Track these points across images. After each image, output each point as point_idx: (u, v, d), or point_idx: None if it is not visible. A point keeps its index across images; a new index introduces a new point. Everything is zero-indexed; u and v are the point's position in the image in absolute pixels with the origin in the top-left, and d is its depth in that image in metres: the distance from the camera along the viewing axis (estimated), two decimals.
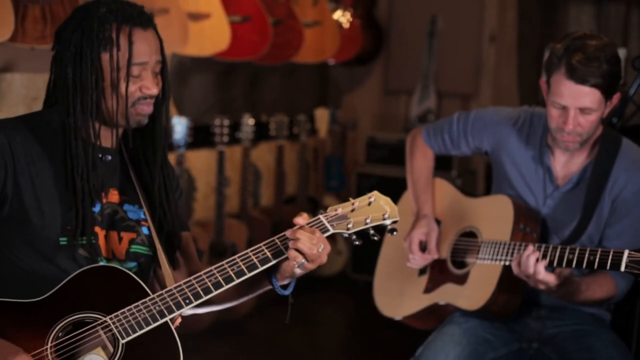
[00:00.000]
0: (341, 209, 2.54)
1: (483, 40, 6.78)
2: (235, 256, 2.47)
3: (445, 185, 3.67)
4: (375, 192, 2.58)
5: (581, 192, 3.31)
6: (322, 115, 6.65)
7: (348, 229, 2.51)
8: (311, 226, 2.50)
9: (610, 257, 2.93)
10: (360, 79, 7.21)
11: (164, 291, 2.43)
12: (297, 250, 2.44)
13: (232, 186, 5.89)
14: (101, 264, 2.49)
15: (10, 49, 4.16)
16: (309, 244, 2.43)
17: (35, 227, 2.44)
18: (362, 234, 2.55)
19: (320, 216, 2.55)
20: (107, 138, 2.58)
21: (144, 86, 2.52)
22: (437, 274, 3.51)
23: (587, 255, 2.99)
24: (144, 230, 2.60)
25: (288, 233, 2.49)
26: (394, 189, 6.32)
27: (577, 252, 3.02)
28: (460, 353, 3.25)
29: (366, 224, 2.53)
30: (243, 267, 2.46)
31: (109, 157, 2.59)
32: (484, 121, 3.50)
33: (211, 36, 4.99)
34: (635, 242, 3.19)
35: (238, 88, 6.24)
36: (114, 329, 2.37)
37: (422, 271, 3.56)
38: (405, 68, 6.96)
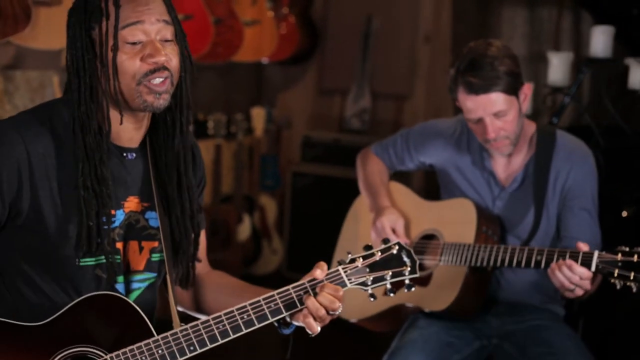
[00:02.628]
0: (362, 260, 2.45)
1: (418, 41, 6.82)
2: (247, 303, 2.36)
3: (402, 189, 3.70)
4: (399, 243, 2.50)
5: (528, 189, 3.40)
6: (258, 114, 6.65)
7: (366, 285, 2.45)
8: (329, 280, 2.41)
9: (580, 258, 3.00)
10: (294, 78, 7.21)
11: (168, 333, 2.32)
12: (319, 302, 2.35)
13: None
14: (107, 292, 2.35)
15: None
16: (331, 297, 2.36)
17: (53, 245, 2.32)
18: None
19: (340, 268, 2.45)
20: (131, 131, 2.40)
21: (147, 54, 2.26)
22: None
23: (555, 256, 3.06)
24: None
25: (307, 282, 2.40)
26: (330, 188, 6.43)
27: (545, 253, 3.10)
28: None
29: (384, 280, 2.46)
30: (253, 317, 2.35)
31: (133, 155, 2.43)
32: (424, 136, 3.59)
33: None
34: (591, 228, 3.31)
35: None
36: None
37: None
38: (340, 68, 6.97)
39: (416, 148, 3.59)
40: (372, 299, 2.46)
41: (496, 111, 3.22)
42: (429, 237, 3.50)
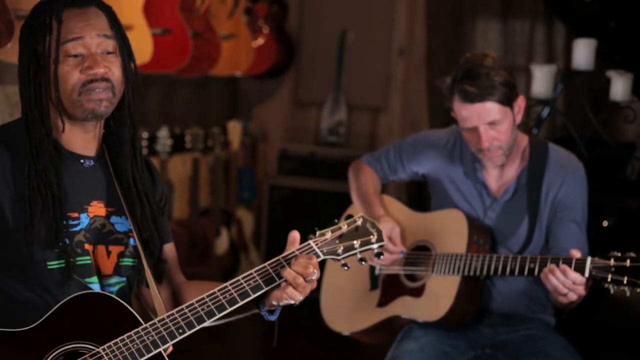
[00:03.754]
0: (330, 233, 2.52)
1: (392, 54, 6.88)
2: (227, 283, 2.42)
3: (393, 202, 3.72)
4: (362, 215, 2.57)
5: (520, 201, 3.45)
6: (234, 128, 6.66)
7: (338, 255, 2.51)
8: (302, 252, 2.47)
9: (573, 264, 3.05)
10: (270, 91, 7.24)
11: (156, 320, 2.37)
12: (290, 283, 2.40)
13: None
14: (91, 291, 2.41)
15: None
16: (305, 263, 2.40)
17: (22, 250, 2.36)
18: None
19: (310, 242, 2.51)
20: (84, 141, 2.49)
21: (87, 67, 2.35)
22: (390, 287, 3.55)
23: (548, 263, 3.11)
24: (132, 241, 2.52)
25: (282, 257, 2.46)
26: (307, 201, 6.46)
27: (538, 260, 3.15)
28: None
29: (354, 248, 2.53)
30: (235, 294, 2.39)
31: (90, 163, 2.50)
32: (417, 146, 3.62)
33: (134, 49, 4.93)
34: (579, 239, 3.36)
35: (152, 100, 6.21)
36: None
37: (373, 286, 3.59)
38: (316, 81, 7.01)
39: (409, 158, 3.62)
40: (345, 268, 2.51)
41: (491, 120, 3.27)
42: (420, 249, 3.53)
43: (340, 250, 2.51)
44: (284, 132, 7.20)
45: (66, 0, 2.40)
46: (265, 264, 2.46)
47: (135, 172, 2.54)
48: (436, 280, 3.41)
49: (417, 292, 3.46)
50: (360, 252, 2.54)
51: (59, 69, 2.37)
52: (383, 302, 3.55)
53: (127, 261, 2.53)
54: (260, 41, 6.52)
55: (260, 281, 2.43)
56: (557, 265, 3.08)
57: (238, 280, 2.43)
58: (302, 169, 6.72)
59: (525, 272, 3.18)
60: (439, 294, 3.39)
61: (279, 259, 2.46)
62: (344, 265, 2.51)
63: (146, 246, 2.55)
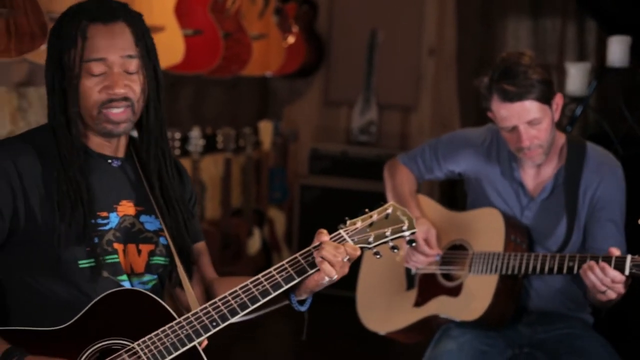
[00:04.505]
0: (360, 222, 2.51)
1: (422, 53, 6.88)
2: (259, 275, 2.43)
3: (428, 201, 3.72)
4: (392, 204, 2.56)
5: (557, 200, 3.42)
6: (265, 128, 6.68)
7: (369, 243, 2.50)
8: (333, 241, 2.46)
9: (613, 262, 3.03)
10: (300, 90, 7.25)
11: (190, 314, 2.38)
12: (322, 258, 2.40)
13: None
14: (124, 287, 2.43)
15: None
16: (334, 252, 2.39)
17: (53, 250, 2.38)
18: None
19: (341, 231, 2.51)
20: (109, 146, 2.51)
21: (107, 86, 2.38)
22: (427, 287, 3.54)
23: (587, 261, 3.09)
24: (162, 240, 2.54)
25: (313, 248, 2.46)
26: (337, 200, 6.46)
27: (577, 259, 3.14)
28: None
29: (386, 237, 2.51)
30: (268, 286, 2.41)
31: (118, 163, 2.52)
32: (453, 145, 3.61)
33: (165, 49, 4.95)
34: (617, 239, 3.34)
35: (184, 101, 6.23)
36: (143, 355, 2.31)
37: (410, 285, 3.59)
38: (346, 80, 7.02)
39: (445, 157, 3.61)
40: (377, 257, 2.51)
41: (530, 119, 3.25)
42: (457, 248, 3.52)
43: (371, 239, 2.50)
44: (314, 132, 7.21)
45: (93, 14, 2.40)
46: (297, 254, 2.47)
47: (163, 174, 2.56)
48: (474, 280, 3.40)
49: (455, 292, 3.45)
50: (392, 239, 2.53)
51: (80, 83, 2.39)
52: (420, 302, 3.54)
53: (158, 259, 2.55)
54: (291, 41, 6.53)
55: (292, 272, 2.44)
56: (597, 262, 3.07)
57: (270, 272, 2.44)
58: (333, 168, 6.72)
59: (565, 270, 3.17)
60: (477, 294, 3.38)
61: (309, 249, 2.46)
62: (376, 253, 2.51)
63: (176, 245, 2.57)
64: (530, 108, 3.25)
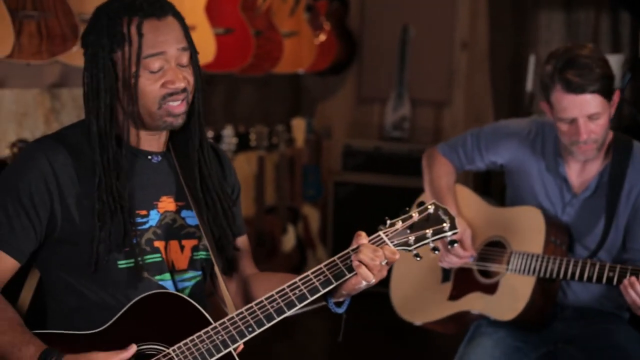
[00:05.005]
0: (400, 222, 2.46)
1: (455, 48, 6.85)
2: (296, 279, 2.40)
3: (467, 193, 3.66)
4: (434, 202, 2.50)
5: (600, 198, 3.37)
6: (298, 125, 6.68)
7: (410, 245, 2.45)
8: (372, 244, 2.41)
9: None
10: (333, 87, 7.24)
11: (226, 319, 2.37)
12: (360, 261, 2.35)
13: None
14: (160, 290, 2.42)
15: (3, 65, 4.14)
16: (372, 255, 2.35)
17: (89, 252, 2.37)
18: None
19: (380, 232, 2.45)
20: (151, 141, 2.50)
21: (168, 81, 2.37)
22: (463, 282, 3.51)
23: (628, 273, 3.07)
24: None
25: (351, 250, 2.40)
26: (371, 196, 6.45)
27: (617, 270, 3.12)
28: None
29: (427, 238, 2.46)
30: (305, 290, 2.37)
31: (158, 158, 2.51)
32: (497, 136, 3.54)
33: (197, 49, 4.97)
34: None
35: (216, 99, 6.24)
36: None
37: (445, 278, 3.56)
38: (378, 76, 7.01)
39: (487, 148, 3.54)
40: (418, 259, 2.46)
41: (591, 113, 3.19)
42: (494, 244, 3.48)
43: (411, 241, 2.45)
44: (347, 128, 7.20)
45: (145, 10, 2.39)
46: (335, 257, 2.43)
47: (203, 169, 2.54)
48: (511, 279, 3.36)
49: (491, 289, 3.41)
50: (433, 241, 2.48)
51: (139, 82, 2.38)
52: (455, 296, 3.52)
53: (202, 254, 2.54)
54: (322, 38, 6.53)
55: (329, 276, 2.40)
56: (638, 277, 3.02)
57: (307, 276, 2.41)
58: (367, 164, 6.71)
59: (604, 280, 3.13)
60: (514, 294, 3.34)
61: (348, 252, 2.42)
62: (416, 255, 2.47)
63: (218, 242, 2.55)
64: (592, 102, 3.18)
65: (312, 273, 2.41)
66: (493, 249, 3.47)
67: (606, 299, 3.42)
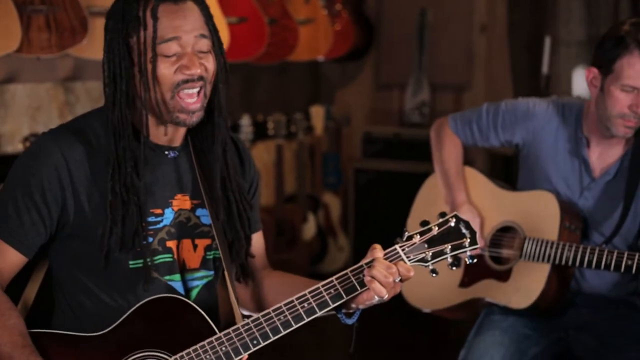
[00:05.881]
0: (418, 236, 2.38)
1: (474, 31, 6.79)
2: (306, 291, 2.32)
3: (477, 175, 3.56)
4: (455, 215, 2.41)
5: (620, 184, 3.28)
6: (317, 113, 6.65)
7: (426, 261, 2.38)
8: (388, 258, 2.34)
9: None
10: (351, 74, 7.21)
11: (231, 329, 2.31)
12: (372, 277, 2.27)
13: None
14: (167, 295, 2.36)
15: (13, 59, 4.14)
16: (385, 272, 2.27)
17: (101, 250, 2.32)
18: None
19: (397, 246, 2.38)
20: (169, 135, 2.40)
21: (183, 66, 2.28)
22: (474, 268, 3.40)
23: None
24: None
25: (365, 264, 2.32)
26: (393, 183, 6.42)
27: (636, 258, 3.05)
28: (504, 354, 3.22)
29: (445, 254, 2.39)
30: (314, 304, 2.30)
31: (175, 154, 2.43)
32: (515, 114, 3.41)
33: None
34: None
35: (233, 89, 6.21)
36: None
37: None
38: (397, 62, 6.96)
39: (504, 126, 3.42)
40: (433, 275, 2.39)
41: None
42: (506, 229, 3.40)
43: (429, 256, 2.37)
44: (367, 115, 7.16)
45: None
46: (347, 271, 2.34)
47: (223, 170, 2.46)
48: (524, 266, 3.29)
49: (503, 277, 3.34)
50: (451, 256, 2.40)
51: (156, 68, 2.30)
52: (466, 283, 3.44)
53: (216, 253, 2.48)
54: (339, 25, 6.49)
55: (340, 290, 2.32)
56: None
57: (317, 289, 2.32)
58: (387, 151, 6.68)
59: (622, 269, 3.07)
60: (527, 282, 3.27)
61: (361, 265, 2.34)
62: (433, 271, 2.40)
63: (231, 247, 2.50)
64: None
65: (323, 286, 2.33)
66: (505, 234, 3.39)
67: (619, 285, 3.35)
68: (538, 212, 3.33)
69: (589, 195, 3.32)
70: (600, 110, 3.20)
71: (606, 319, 3.31)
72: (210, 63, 2.33)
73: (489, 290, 3.37)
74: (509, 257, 3.36)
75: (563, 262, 3.19)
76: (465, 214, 3.33)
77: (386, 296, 2.31)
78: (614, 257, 3.09)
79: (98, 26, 4.01)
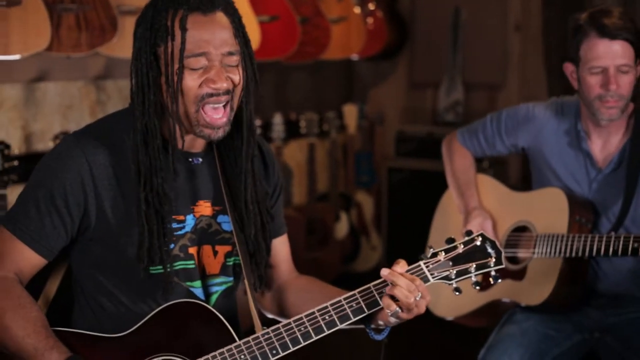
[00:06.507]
0: (443, 254, 2.37)
1: (508, 29, 6.74)
2: (327, 303, 2.32)
3: (489, 181, 3.65)
4: (482, 234, 2.41)
5: (623, 173, 3.32)
6: (350, 111, 6.64)
7: (450, 279, 2.37)
8: (411, 273, 2.33)
9: None
10: (385, 73, 7.19)
11: (250, 338, 2.30)
12: (392, 296, 2.27)
13: None
14: (189, 300, 2.35)
15: (45, 58, 4.18)
16: (406, 292, 2.26)
17: (122, 254, 2.33)
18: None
19: (421, 263, 2.37)
20: (193, 142, 2.40)
21: (209, 80, 2.27)
22: None
23: None
24: None
25: (385, 276, 2.31)
26: (426, 182, 6.40)
27: None
28: (523, 354, 3.24)
29: (469, 272, 2.38)
30: (335, 317, 2.30)
31: (198, 160, 2.43)
32: (517, 118, 3.51)
33: None
34: None
35: (265, 87, 6.24)
36: None
37: None
38: (430, 60, 6.94)
39: (507, 131, 3.51)
40: (457, 293, 2.38)
41: (622, 64, 3.19)
42: (520, 230, 3.43)
43: (453, 274, 2.37)
44: (400, 114, 7.14)
45: (191, 3, 2.28)
46: (371, 285, 2.34)
47: (249, 180, 2.44)
48: (538, 263, 3.32)
49: (519, 275, 3.37)
50: (476, 275, 2.39)
51: (182, 79, 2.28)
52: (484, 286, 3.43)
53: (236, 260, 2.47)
54: (372, 23, 6.48)
55: (362, 304, 2.32)
56: None
57: (339, 301, 2.32)
58: (420, 150, 6.64)
59: (629, 252, 3.08)
60: (541, 277, 3.29)
61: (385, 281, 2.33)
62: (457, 289, 2.38)
63: (252, 258, 2.49)
64: (625, 51, 3.19)
65: (345, 299, 2.33)
66: (520, 234, 3.43)
67: (639, 278, 3.34)
68: (548, 208, 3.37)
69: (597, 187, 3.36)
70: (584, 100, 3.30)
71: (631, 320, 3.31)
72: (237, 76, 2.32)
73: (506, 291, 3.40)
74: (524, 256, 3.38)
75: (573, 253, 3.21)
76: (476, 218, 3.40)
77: (405, 315, 2.30)
78: (621, 241, 3.11)
79: (128, 25, 4.05)
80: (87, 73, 4.74)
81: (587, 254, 3.18)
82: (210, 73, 2.27)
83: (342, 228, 6.35)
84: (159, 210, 2.31)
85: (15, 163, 3.80)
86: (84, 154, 2.30)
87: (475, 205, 3.50)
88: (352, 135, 6.69)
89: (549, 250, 3.27)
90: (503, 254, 2.41)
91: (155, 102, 2.30)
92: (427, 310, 3.50)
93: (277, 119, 5.79)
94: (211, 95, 2.27)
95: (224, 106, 2.30)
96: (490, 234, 3.32)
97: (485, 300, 3.45)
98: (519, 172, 6.38)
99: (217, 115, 2.29)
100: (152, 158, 2.31)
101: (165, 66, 2.27)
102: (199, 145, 2.43)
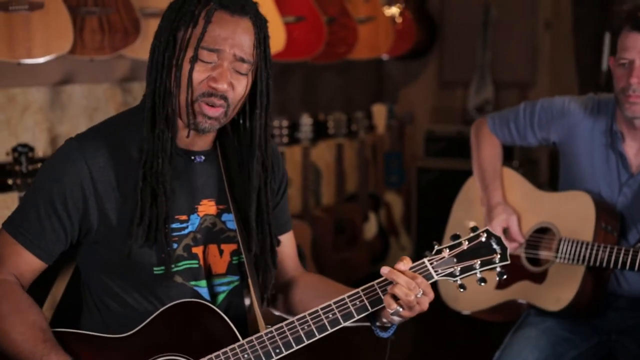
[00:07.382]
0: (448, 250, 2.34)
1: (538, 27, 6.71)
2: (331, 302, 2.31)
3: (514, 176, 3.56)
4: (487, 230, 2.38)
5: None
6: (379, 111, 6.62)
7: (455, 276, 2.34)
8: (414, 271, 2.31)
9: None
10: (415, 72, 7.17)
11: (254, 337, 2.30)
12: (393, 295, 2.26)
13: (293, 186, 5.87)
14: (193, 300, 2.34)
15: (69, 61, 4.19)
16: (406, 290, 2.25)
17: (126, 255, 2.32)
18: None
19: (425, 260, 2.35)
20: (197, 140, 2.39)
21: (212, 77, 2.26)
22: (510, 269, 3.32)
23: None
24: None
25: (385, 274, 2.30)
26: (455, 182, 6.33)
27: None
28: (538, 356, 3.19)
29: (474, 269, 2.35)
30: (338, 315, 2.30)
31: (201, 159, 2.42)
32: (552, 111, 3.41)
33: None
34: None
35: (293, 88, 6.23)
36: None
37: None
38: (460, 59, 6.91)
39: (541, 124, 3.43)
40: (461, 290, 2.35)
41: None
42: (543, 231, 3.37)
43: (457, 271, 2.34)
44: (430, 113, 7.12)
45: (222, 1, 2.28)
46: (374, 282, 2.33)
47: (254, 183, 2.42)
48: (559, 268, 3.25)
49: (539, 278, 3.31)
50: (481, 272, 2.36)
51: (193, 68, 2.27)
52: (503, 284, 3.41)
53: (241, 258, 2.46)
54: (400, 22, 6.45)
55: (366, 302, 2.31)
56: None
57: (343, 300, 2.32)
58: (450, 149, 6.62)
59: None
60: (562, 284, 3.22)
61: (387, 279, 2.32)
62: (461, 286, 2.36)
63: (258, 260, 2.48)
64: None
65: (349, 297, 2.32)
66: (542, 235, 3.36)
67: None
68: (574, 212, 3.30)
69: (628, 192, 3.28)
70: (615, 96, 3.23)
71: None
72: (240, 86, 2.31)
73: (524, 292, 3.35)
74: (545, 258, 3.32)
75: (598, 263, 3.14)
76: (500, 215, 3.34)
77: (408, 313, 2.28)
78: None
79: (151, 27, 4.05)
80: (112, 75, 4.75)
81: (612, 265, 3.11)
82: (216, 71, 2.27)
83: (371, 228, 6.33)
84: (156, 189, 2.30)
85: (39, 165, 3.82)
86: (84, 157, 2.30)
87: (499, 200, 3.44)
88: (381, 135, 6.67)
89: (572, 256, 3.20)
90: (508, 250, 2.38)
91: (165, 84, 2.29)
92: (443, 304, 3.53)
93: (305, 120, 5.78)
94: (210, 95, 2.28)
95: (220, 107, 2.31)
96: (515, 231, 3.30)
97: (503, 299, 3.41)
98: (548, 173, 6.33)
99: (212, 108, 2.29)
100: (156, 138, 2.30)
101: (179, 50, 2.27)
102: (201, 143, 2.42)
